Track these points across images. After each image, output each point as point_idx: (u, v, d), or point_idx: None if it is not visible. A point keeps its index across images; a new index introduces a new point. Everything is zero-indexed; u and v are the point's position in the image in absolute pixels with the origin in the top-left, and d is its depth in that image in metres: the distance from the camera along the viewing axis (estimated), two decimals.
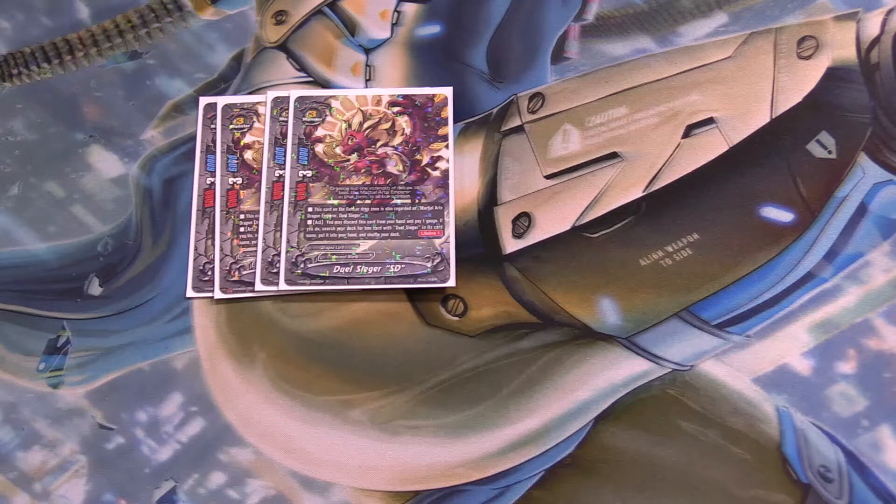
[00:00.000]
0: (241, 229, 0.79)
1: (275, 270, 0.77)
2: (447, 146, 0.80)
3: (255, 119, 0.82)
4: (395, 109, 0.81)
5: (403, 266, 0.76)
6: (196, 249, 0.79)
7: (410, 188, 0.79)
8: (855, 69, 0.79)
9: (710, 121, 0.79)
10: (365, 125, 0.81)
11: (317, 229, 0.77)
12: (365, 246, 0.77)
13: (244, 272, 0.77)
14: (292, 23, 0.86)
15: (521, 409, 0.74)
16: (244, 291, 0.77)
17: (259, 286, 0.77)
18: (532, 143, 0.80)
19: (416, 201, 0.78)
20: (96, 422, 0.76)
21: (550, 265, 0.77)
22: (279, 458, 0.74)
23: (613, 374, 0.74)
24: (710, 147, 0.78)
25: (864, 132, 0.77)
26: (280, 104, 0.81)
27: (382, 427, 0.74)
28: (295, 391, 0.75)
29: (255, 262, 0.77)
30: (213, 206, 0.79)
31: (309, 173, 0.79)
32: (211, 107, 0.83)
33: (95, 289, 0.80)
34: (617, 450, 0.73)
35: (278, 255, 0.77)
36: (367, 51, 0.85)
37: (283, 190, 0.79)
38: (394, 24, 0.86)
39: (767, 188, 0.77)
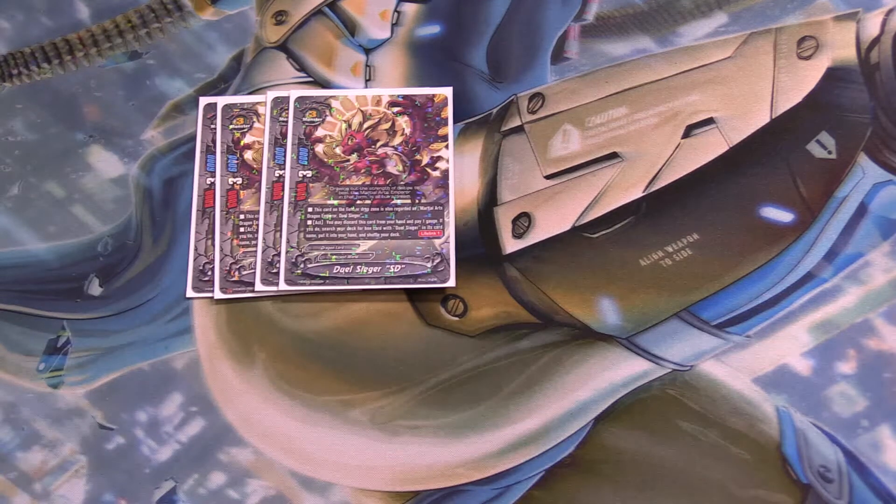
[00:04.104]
0: (241, 229, 0.79)
1: (275, 270, 0.77)
2: (447, 146, 0.80)
3: (255, 119, 0.82)
4: (395, 109, 0.81)
5: (403, 266, 0.76)
6: (196, 249, 0.79)
7: (410, 188, 0.79)
8: (855, 69, 0.79)
9: (710, 121, 0.79)
10: (365, 125, 0.81)
11: (317, 229, 0.77)
12: (365, 246, 0.77)
13: (244, 272, 0.77)
14: (292, 23, 0.86)
15: (521, 409, 0.74)
16: (244, 291, 0.77)
17: (259, 286, 0.77)
18: (532, 143, 0.80)
19: (416, 201, 0.78)
20: (96, 422, 0.76)
21: (550, 265, 0.77)
22: (279, 458, 0.74)
23: (613, 374, 0.74)
24: (710, 147, 0.78)
25: (864, 132, 0.77)
26: (280, 104, 0.81)
27: (382, 427, 0.74)
28: (295, 391, 0.75)
29: (255, 262, 0.77)
30: (213, 206, 0.79)
31: (309, 173, 0.79)
32: (211, 107, 0.83)
33: (95, 289, 0.80)
34: (617, 450, 0.73)
35: (278, 255, 0.77)
36: (367, 51, 0.85)
37: (283, 190, 0.79)
38: (394, 24, 0.86)
39: (767, 188, 0.77)
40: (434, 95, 0.82)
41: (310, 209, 0.78)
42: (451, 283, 0.76)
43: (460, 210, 0.79)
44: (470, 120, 0.82)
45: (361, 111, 0.82)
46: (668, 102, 0.80)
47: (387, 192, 0.78)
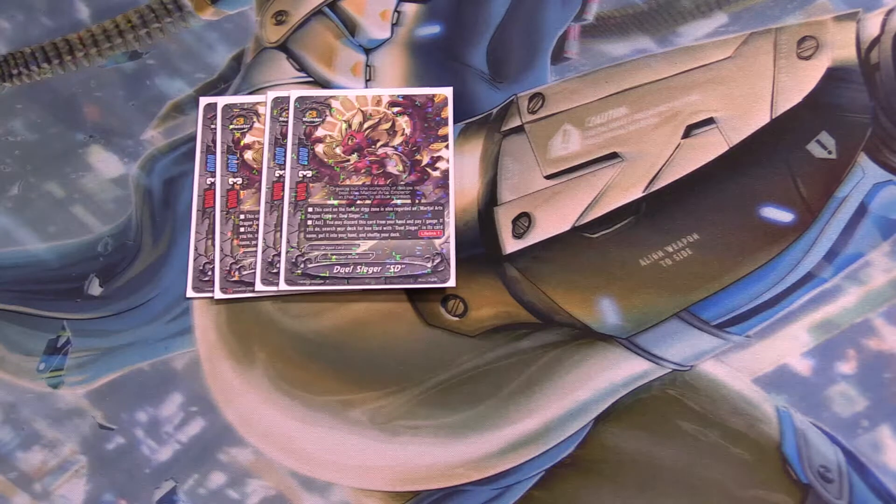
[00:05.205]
0: (241, 229, 0.79)
1: (275, 270, 0.77)
2: (447, 146, 0.80)
3: (255, 119, 0.82)
4: (395, 109, 0.81)
5: (403, 266, 0.76)
6: (196, 249, 0.79)
7: (410, 188, 0.79)
8: (855, 69, 0.79)
9: (710, 121, 0.79)
10: (365, 125, 0.81)
11: (317, 229, 0.77)
12: (365, 246, 0.77)
13: (244, 272, 0.77)
14: (292, 23, 0.86)
15: (521, 409, 0.74)
16: (244, 291, 0.77)
17: (259, 286, 0.77)
18: (532, 143, 0.80)
19: (416, 201, 0.78)
20: (96, 422, 0.76)
21: (550, 265, 0.77)
22: (279, 458, 0.74)
23: (613, 374, 0.74)
24: (710, 147, 0.78)
25: (864, 132, 0.77)
26: (280, 104, 0.82)
27: (382, 427, 0.74)
28: (295, 391, 0.75)
29: (255, 262, 0.77)
30: (214, 207, 0.79)
31: (309, 173, 0.79)
32: (211, 107, 0.83)
33: (95, 289, 0.80)
34: (617, 450, 0.73)
35: (278, 255, 0.77)
36: (367, 51, 0.85)
37: (283, 190, 0.79)
38: (394, 25, 0.86)
39: (767, 188, 0.77)
40: (434, 95, 0.82)
41: (310, 209, 0.78)
42: (452, 283, 0.76)
43: (460, 210, 0.79)
44: (470, 120, 0.82)
45: (361, 111, 0.82)
46: (668, 102, 0.80)
47: (387, 192, 0.78)
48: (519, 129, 0.81)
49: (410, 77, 0.84)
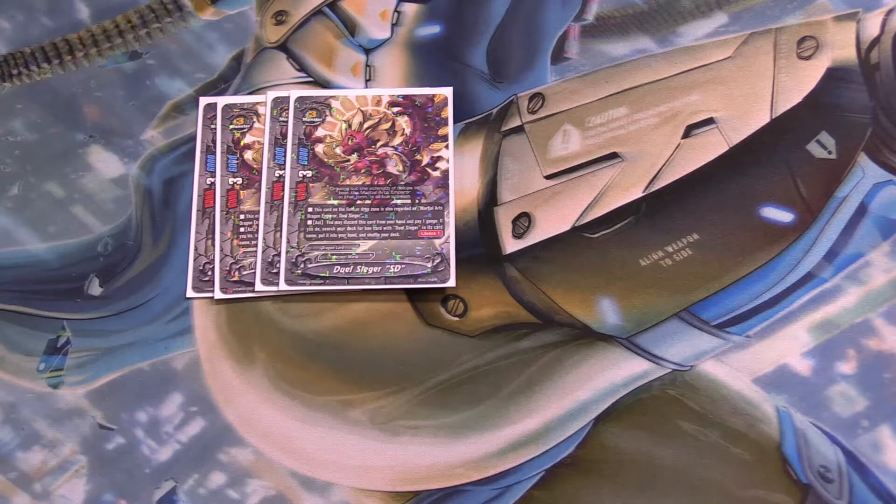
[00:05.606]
0: (241, 229, 0.79)
1: (275, 271, 0.77)
2: (447, 146, 0.80)
3: (255, 119, 0.82)
4: (395, 109, 0.81)
5: (403, 266, 0.76)
6: (196, 249, 0.79)
7: (410, 188, 0.79)
8: (855, 69, 0.79)
9: (710, 121, 0.79)
10: (365, 125, 0.81)
11: (317, 229, 0.77)
12: (365, 246, 0.77)
13: (244, 272, 0.77)
14: (292, 23, 0.86)
15: (521, 409, 0.74)
16: (244, 291, 0.77)
17: (259, 286, 0.77)
18: (532, 143, 0.80)
19: (416, 201, 0.78)
20: (96, 422, 0.76)
21: (550, 265, 0.77)
22: (279, 458, 0.74)
23: (613, 374, 0.74)
24: (710, 147, 0.78)
25: (864, 132, 0.77)
26: (280, 104, 0.82)
27: (382, 427, 0.74)
28: (295, 391, 0.75)
29: (255, 262, 0.77)
30: (213, 207, 0.79)
31: (309, 173, 0.79)
32: (211, 107, 0.83)
33: (95, 289, 0.80)
34: (617, 450, 0.73)
35: (278, 255, 0.77)
36: (367, 51, 0.85)
37: (283, 190, 0.79)
38: (394, 25, 0.86)
39: (767, 188, 0.77)
40: (434, 95, 0.82)
41: (310, 209, 0.78)
42: (452, 283, 0.76)
43: (460, 210, 0.79)
44: (470, 120, 0.82)
45: (361, 111, 0.82)
46: (668, 102, 0.80)
47: (387, 192, 0.78)
48: (519, 129, 0.81)
49: (410, 77, 0.84)
